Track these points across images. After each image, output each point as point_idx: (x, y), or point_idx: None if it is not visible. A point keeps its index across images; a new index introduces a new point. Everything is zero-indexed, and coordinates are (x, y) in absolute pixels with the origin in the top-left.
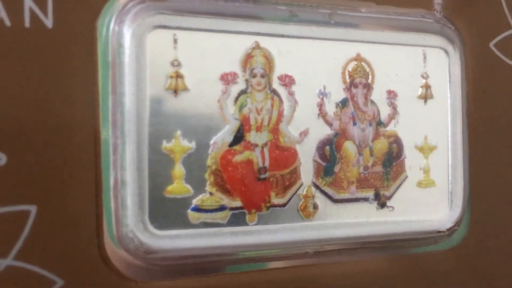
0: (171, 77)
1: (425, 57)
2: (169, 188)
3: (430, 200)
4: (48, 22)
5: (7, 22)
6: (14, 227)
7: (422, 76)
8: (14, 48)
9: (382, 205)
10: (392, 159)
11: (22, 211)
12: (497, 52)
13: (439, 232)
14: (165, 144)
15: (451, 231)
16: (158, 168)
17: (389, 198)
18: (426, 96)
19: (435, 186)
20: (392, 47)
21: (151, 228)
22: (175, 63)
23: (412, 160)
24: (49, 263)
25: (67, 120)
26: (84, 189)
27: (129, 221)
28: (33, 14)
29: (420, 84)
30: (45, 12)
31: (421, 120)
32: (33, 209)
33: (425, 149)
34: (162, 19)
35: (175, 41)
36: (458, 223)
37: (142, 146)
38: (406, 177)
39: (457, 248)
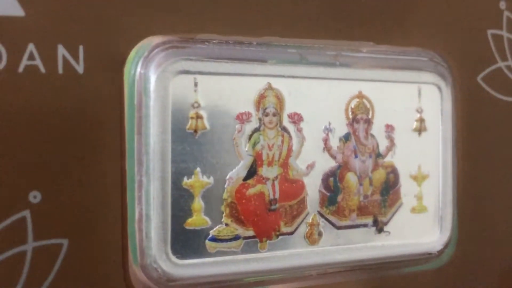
0: (191, 118)
1: (419, 93)
2: (189, 220)
3: (422, 224)
4: (80, 68)
5: (42, 69)
6: (48, 260)
7: (417, 111)
8: (48, 93)
9: (380, 230)
10: (389, 187)
11: (55, 244)
12: (484, 86)
13: (430, 254)
14: (186, 180)
15: (440, 252)
16: (179, 203)
17: (386, 223)
18: (420, 129)
19: (427, 212)
20: (390, 84)
21: (173, 258)
22: (195, 105)
23: (406, 188)
24: None
25: (96, 160)
26: (111, 223)
27: (153, 252)
28: (65, 61)
29: (415, 118)
30: (76, 59)
31: (416, 151)
32: (65, 242)
33: (419, 178)
34: (184, 65)
35: (196, 84)
36: (447, 245)
37: (165, 183)
38: (401, 204)
39: (445, 267)
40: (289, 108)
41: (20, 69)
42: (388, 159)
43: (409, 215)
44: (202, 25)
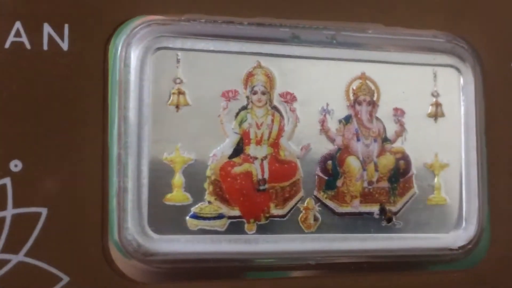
0: (173, 93)
1: (435, 76)
2: (169, 196)
3: (441, 217)
4: (64, 45)
5: (28, 46)
6: (26, 227)
7: (432, 95)
8: (33, 69)
9: (388, 220)
10: (399, 175)
11: (35, 212)
12: None
13: (450, 250)
14: (166, 156)
15: (465, 249)
16: (159, 177)
17: (396, 213)
18: (436, 114)
19: (446, 204)
20: (399, 66)
21: (149, 232)
22: (177, 81)
23: (421, 177)
24: (57, 261)
25: (78, 133)
26: (90, 195)
27: (129, 224)
28: (50, 38)
29: (430, 103)
30: (61, 37)
31: (431, 137)
32: (44, 211)
33: (436, 167)
34: (166, 41)
35: (178, 61)
36: (472, 242)
37: (142, 157)
38: (415, 193)
39: (476, 268)
40: (280, 88)
41: (7, 45)
42: (397, 144)
43: (425, 206)
44: (191, 5)
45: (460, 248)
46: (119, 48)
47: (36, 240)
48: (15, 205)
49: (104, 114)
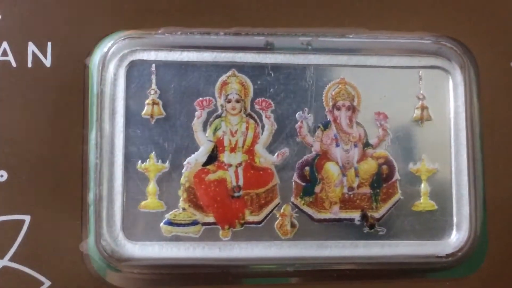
0: (147, 104)
1: (421, 79)
2: (144, 203)
3: (428, 224)
4: (47, 62)
5: (13, 64)
6: (11, 233)
7: (418, 98)
8: (18, 85)
9: (371, 226)
10: (382, 180)
11: (19, 220)
12: None
13: (438, 257)
14: (141, 164)
15: (455, 257)
16: (134, 185)
17: (379, 220)
18: (422, 118)
19: (434, 210)
20: (383, 70)
21: (123, 238)
22: (152, 92)
23: (407, 182)
24: (39, 266)
25: (59, 144)
26: (70, 202)
27: (105, 231)
28: (34, 56)
29: (416, 106)
30: (44, 54)
31: (418, 141)
32: (27, 218)
33: (422, 171)
34: (140, 54)
35: (153, 72)
36: (463, 250)
37: (118, 166)
38: (399, 199)
39: (471, 278)
40: (257, 95)
41: None
42: (381, 149)
43: (412, 212)
44: (168, 18)
45: (448, 256)
46: (97, 63)
47: (20, 246)
48: (0, 213)
49: (84, 125)
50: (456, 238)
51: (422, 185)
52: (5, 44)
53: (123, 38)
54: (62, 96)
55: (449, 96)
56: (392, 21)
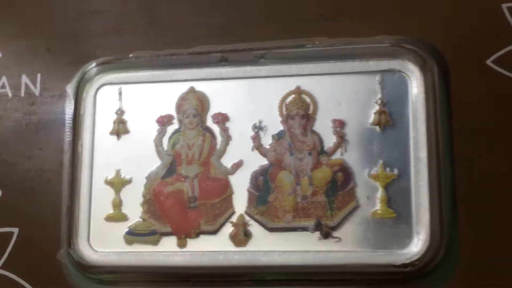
0: (114, 123)
1: (380, 83)
2: (109, 214)
3: (387, 232)
4: (36, 91)
5: (10, 94)
6: (2, 244)
7: (376, 103)
8: (13, 112)
9: (326, 235)
10: (337, 188)
11: (8, 232)
12: (497, 68)
13: (395, 267)
14: (107, 178)
15: (415, 267)
16: (101, 198)
17: (334, 228)
18: (380, 123)
19: (394, 217)
20: (339, 76)
21: (92, 247)
22: (119, 112)
23: (365, 189)
24: (24, 274)
25: (44, 160)
26: (51, 215)
27: (77, 240)
28: (27, 87)
29: (373, 111)
30: (34, 84)
31: (376, 147)
32: (16, 230)
33: (381, 178)
34: (109, 78)
35: (120, 93)
36: (423, 260)
37: (89, 180)
38: (356, 206)
39: None
40: (214, 109)
41: None
42: (337, 157)
43: (369, 220)
44: (139, 44)
45: (406, 265)
46: (74, 88)
47: (9, 255)
48: None
49: (64, 144)
50: (414, 247)
51: (380, 192)
52: (4, 79)
53: (96, 65)
54: (48, 119)
55: (408, 99)
56: (353, 27)
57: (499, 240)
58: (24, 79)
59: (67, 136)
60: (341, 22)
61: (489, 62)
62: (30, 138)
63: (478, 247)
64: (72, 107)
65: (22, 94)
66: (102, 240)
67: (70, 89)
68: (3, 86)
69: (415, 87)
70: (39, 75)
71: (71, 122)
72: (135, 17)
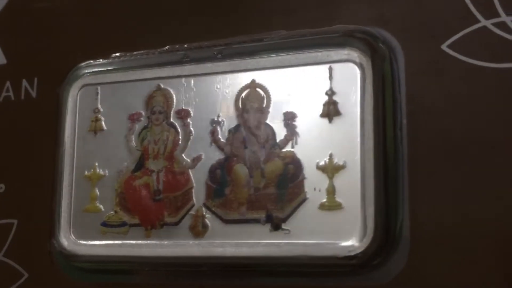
0: (92, 121)
1: (330, 74)
2: (87, 207)
3: (335, 224)
4: (34, 93)
5: (12, 98)
6: (4, 234)
7: (326, 93)
8: (14, 113)
9: (276, 227)
10: (288, 180)
11: (9, 223)
12: (452, 53)
13: (339, 258)
14: (86, 173)
15: (361, 260)
16: (82, 192)
17: (284, 220)
18: (329, 114)
19: (342, 209)
20: (291, 69)
21: (72, 238)
22: (96, 110)
23: (314, 181)
24: (22, 261)
25: (39, 157)
26: (44, 208)
27: (61, 232)
28: (26, 90)
29: (323, 102)
30: (32, 88)
31: (325, 139)
32: (15, 221)
33: (329, 169)
34: (88, 79)
35: (97, 93)
36: (367, 253)
37: (70, 175)
38: (305, 199)
39: (389, 284)
40: (179, 106)
41: (0, 99)
42: (288, 149)
43: (317, 212)
44: (117, 46)
45: (350, 258)
46: (62, 90)
47: (10, 244)
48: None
49: (56, 141)
50: (359, 239)
51: (328, 184)
52: (8, 83)
53: (79, 68)
54: (42, 118)
55: (358, 90)
56: (310, 18)
57: (447, 233)
58: (24, 83)
59: (54, 135)
60: (299, 14)
61: (444, 47)
62: (27, 138)
63: (425, 240)
64: (58, 108)
65: (22, 97)
66: (81, 231)
67: (59, 91)
68: (7, 90)
69: (365, 77)
70: (36, 79)
71: (60, 120)
72: (109, 21)
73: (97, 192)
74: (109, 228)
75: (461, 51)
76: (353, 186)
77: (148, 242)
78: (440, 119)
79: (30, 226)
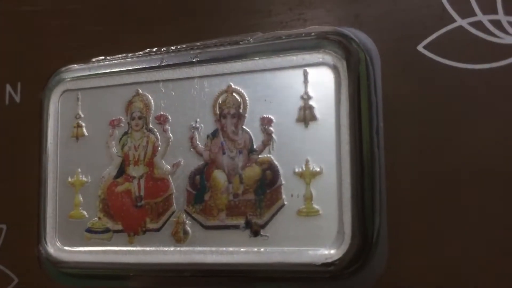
0: (74, 127)
1: (305, 77)
2: (71, 213)
3: (313, 230)
4: (17, 98)
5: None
6: None
7: (302, 98)
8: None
9: (255, 233)
10: (265, 186)
11: None
12: (428, 54)
13: (317, 265)
14: (69, 179)
15: (339, 267)
16: (66, 198)
17: (263, 226)
18: (305, 119)
19: (319, 215)
20: (267, 73)
21: (55, 244)
22: (77, 116)
23: (291, 187)
24: (12, 266)
25: (24, 161)
26: (30, 214)
27: (47, 238)
28: (10, 95)
29: (298, 107)
30: (16, 92)
31: (301, 144)
32: (4, 227)
33: (306, 175)
34: (68, 85)
35: (78, 99)
36: (345, 260)
37: (54, 182)
38: (283, 205)
39: None
40: (157, 111)
41: None
42: (265, 154)
43: (295, 218)
44: (98, 50)
45: (327, 264)
46: (44, 96)
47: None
48: None
49: (40, 147)
50: (336, 246)
51: (305, 190)
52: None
53: (59, 73)
54: (27, 123)
55: (333, 93)
56: (285, 20)
57: (425, 239)
58: (8, 88)
59: (38, 141)
60: (274, 15)
61: (420, 48)
62: (13, 142)
63: (403, 245)
64: (43, 112)
65: (6, 103)
66: (66, 237)
67: (42, 96)
68: None
69: (340, 80)
70: (19, 83)
71: (42, 125)
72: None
73: (81, 198)
74: (93, 234)
75: (437, 52)
76: (330, 192)
77: (131, 248)
78: (417, 121)
79: (19, 231)
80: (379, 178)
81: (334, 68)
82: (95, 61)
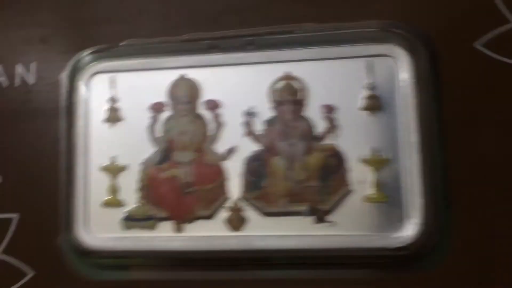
0: (107, 111)
1: (369, 68)
2: (106, 200)
3: (380, 216)
4: (31, 79)
5: (5, 83)
6: (2, 229)
7: (366, 88)
8: (8, 100)
9: (320, 219)
10: (330, 173)
11: (9, 217)
12: (487, 52)
13: (388, 250)
14: (104, 165)
15: (408, 251)
16: (99, 184)
17: (328, 212)
18: (370, 107)
19: (387, 201)
20: (329, 62)
21: (87, 232)
22: (111, 100)
23: (358, 173)
24: (26, 258)
25: (40, 146)
26: (49, 201)
27: (73, 226)
28: (21, 76)
29: (364, 96)
30: (28, 73)
31: (367, 132)
32: (16, 216)
33: (373, 162)
34: (101, 66)
35: (112, 81)
36: (415, 244)
37: (86, 167)
38: (349, 191)
39: (432, 274)
40: (205, 96)
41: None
42: (328, 142)
43: (363, 204)
44: (130, 32)
45: (399, 249)
46: (67, 77)
47: (11, 240)
48: None
49: (59, 131)
50: (407, 231)
51: (373, 176)
52: (0, 67)
53: (87, 53)
54: (42, 106)
55: (397, 84)
56: (340, 12)
57: (492, 223)
58: (19, 68)
59: (63, 124)
60: (329, 7)
61: (477, 45)
62: (27, 126)
63: (471, 230)
64: (66, 96)
65: (18, 84)
66: (99, 226)
67: (64, 78)
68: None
69: (404, 71)
70: (33, 64)
71: (65, 110)
72: (125, 6)
73: (117, 184)
74: (133, 222)
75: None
76: (396, 179)
77: (180, 235)
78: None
79: (33, 220)
80: (443, 166)
81: (397, 60)
82: (130, 43)
